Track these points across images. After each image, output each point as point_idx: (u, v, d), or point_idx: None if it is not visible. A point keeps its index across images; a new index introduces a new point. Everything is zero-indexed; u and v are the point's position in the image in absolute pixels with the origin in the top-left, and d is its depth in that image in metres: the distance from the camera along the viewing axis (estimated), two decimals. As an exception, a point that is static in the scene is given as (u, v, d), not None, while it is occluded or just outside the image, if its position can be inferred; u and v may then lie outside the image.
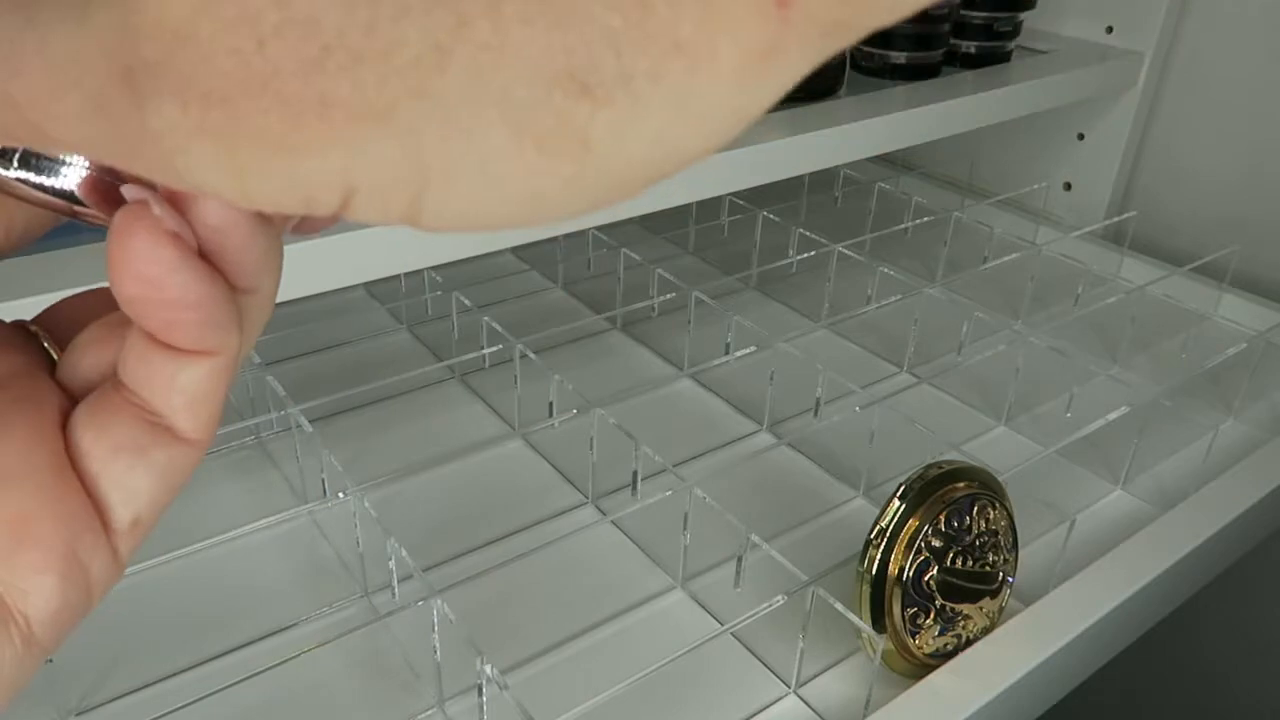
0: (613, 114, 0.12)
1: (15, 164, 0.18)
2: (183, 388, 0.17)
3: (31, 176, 0.18)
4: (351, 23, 0.12)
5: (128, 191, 0.16)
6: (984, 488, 0.43)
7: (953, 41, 0.71)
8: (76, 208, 0.18)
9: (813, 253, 0.72)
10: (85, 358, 0.18)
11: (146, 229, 0.15)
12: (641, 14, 0.11)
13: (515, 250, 0.80)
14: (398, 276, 0.70)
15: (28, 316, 0.20)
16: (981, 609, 0.43)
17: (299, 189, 0.13)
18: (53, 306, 0.20)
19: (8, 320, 0.20)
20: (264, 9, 0.12)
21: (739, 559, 0.45)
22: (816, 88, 0.63)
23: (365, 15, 0.12)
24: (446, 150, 0.12)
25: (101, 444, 0.17)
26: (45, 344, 0.19)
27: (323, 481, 0.49)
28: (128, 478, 0.17)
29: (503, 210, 0.13)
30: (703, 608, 0.47)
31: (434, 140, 0.12)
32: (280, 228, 0.18)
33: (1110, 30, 0.79)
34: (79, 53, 0.13)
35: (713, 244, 0.83)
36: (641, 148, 0.12)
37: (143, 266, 0.15)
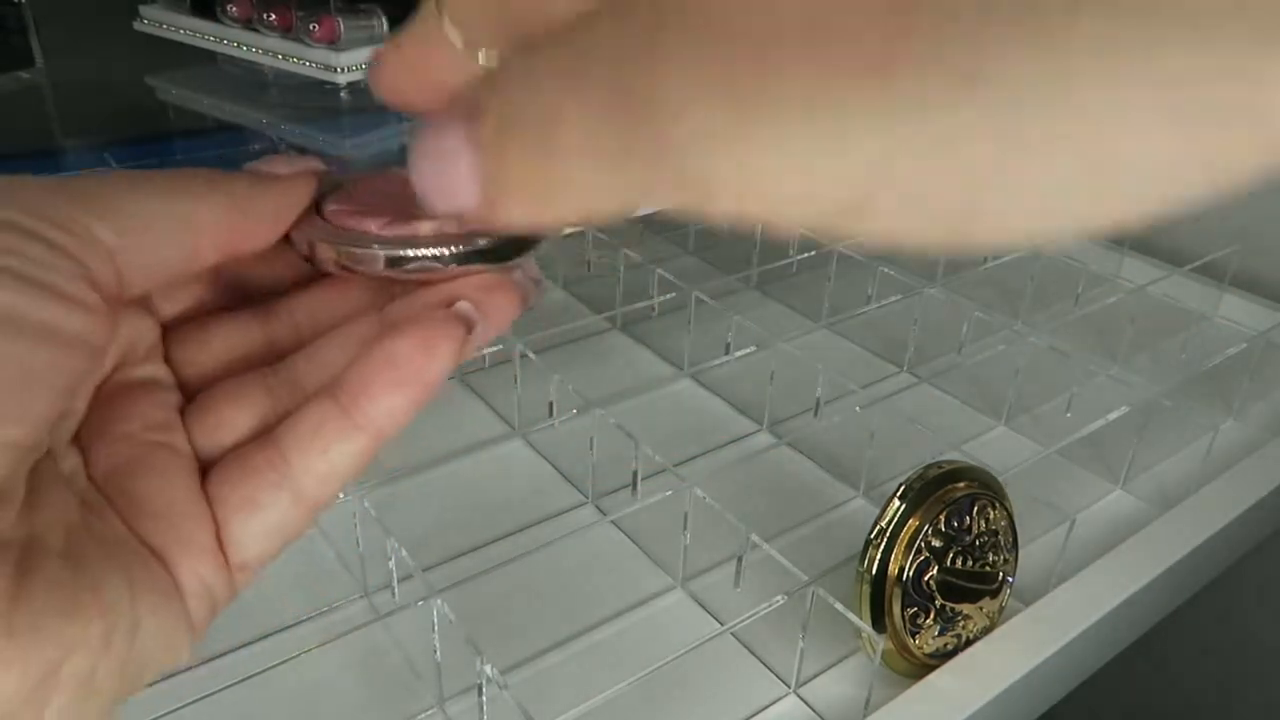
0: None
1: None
2: (335, 457, 0.20)
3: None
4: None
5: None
6: (984, 488, 0.43)
7: (953, 41, 0.71)
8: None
9: (813, 252, 0.72)
10: (222, 412, 0.21)
11: (452, 340, 0.20)
12: None
13: (515, 250, 0.80)
14: (398, 276, 0.70)
15: None
16: (981, 609, 0.43)
17: (818, 173, 0.12)
18: (180, 344, 0.22)
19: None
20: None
21: (739, 559, 0.46)
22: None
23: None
24: (1033, 126, 0.10)
25: (235, 497, 0.20)
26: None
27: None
28: (247, 529, 0.20)
29: (1073, 209, 0.11)
30: (703, 608, 0.47)
31: (1025, 112, 0.10)
32: None
33: (1110, 30, 0.79)
34: (614, 40, 0.13)
35: (713, 244, 0.83)
36: None
37: (430, 373, 0.20)
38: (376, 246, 0.21)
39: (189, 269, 0.20)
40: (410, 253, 0.21)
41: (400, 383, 0.20)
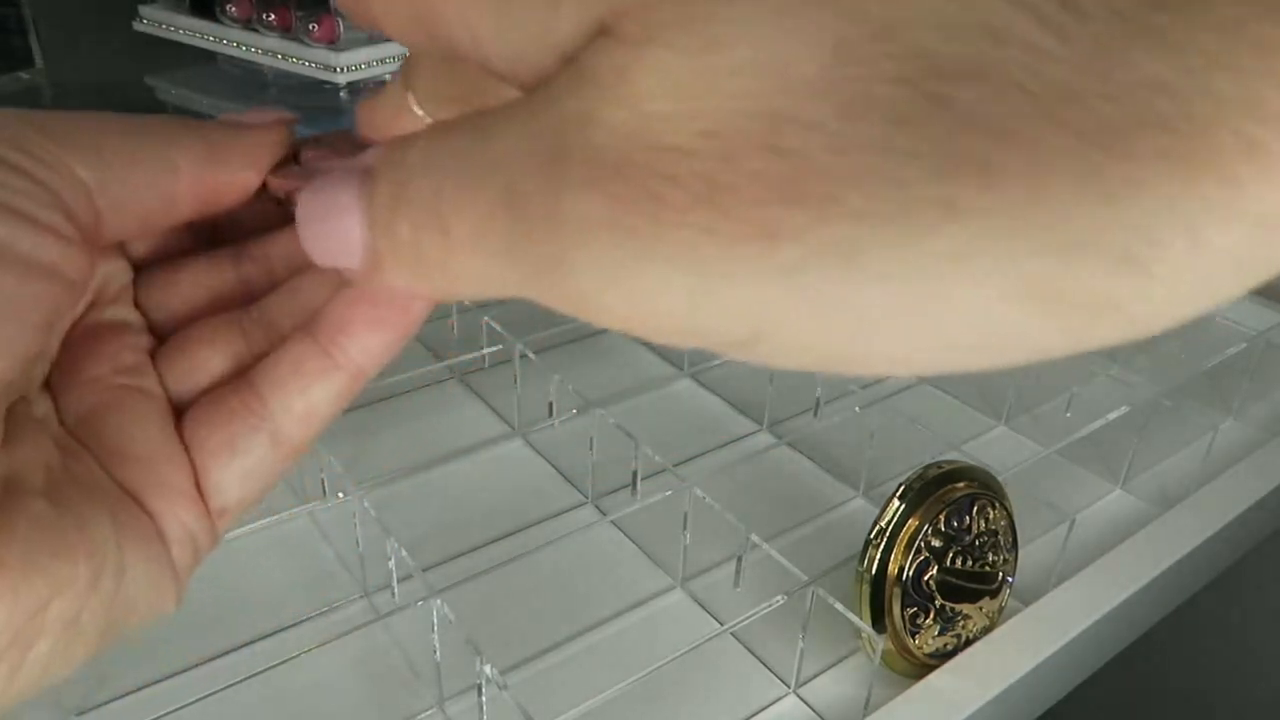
0: (1156, 285, 0.11)
1: None
2: (314, 397, 0.20)
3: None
4: (843, 161, 0.11)
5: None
6: (984, 488, 0.43)
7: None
8: None
9: (813, 253, 0.72)
10: (196, 354, 0.20)
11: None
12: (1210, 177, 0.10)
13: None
14: (398, 276, 0.70)
15: None
16: (981, 609, 0.43)
17: (702, 314, 0.12)
18: (150, 286, 0.21)
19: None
20: (753, 136, 0.11)
21: (739, 559, 0.46)
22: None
23: (860, 156, 0.11)
24: (907, 297, 0.11)
25: (212, 440, 0.19)
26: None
27: (323, 481, 0.49)
28: (226, 473, 0.19)
29: (959, 358, 0.12)
30: (703, 608, 0.47)
31: (901, 286, 0.11)
32: None
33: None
34: (515, 145, 0.13)
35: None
36: (1180, 306, 0.11)
37: (408, 311, 0.19)
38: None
39: (168, 217, 0.20)
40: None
41: (381, 320, 0.19)
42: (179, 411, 0.20)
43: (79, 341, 0.20)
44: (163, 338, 0.21)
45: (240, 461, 0.19)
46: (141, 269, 0.21)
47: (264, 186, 0.21)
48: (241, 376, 0.20)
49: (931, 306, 0.11)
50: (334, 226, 0.16)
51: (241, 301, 0.22)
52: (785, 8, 0.11)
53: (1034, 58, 0.10)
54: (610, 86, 0.12)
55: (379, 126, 0.21)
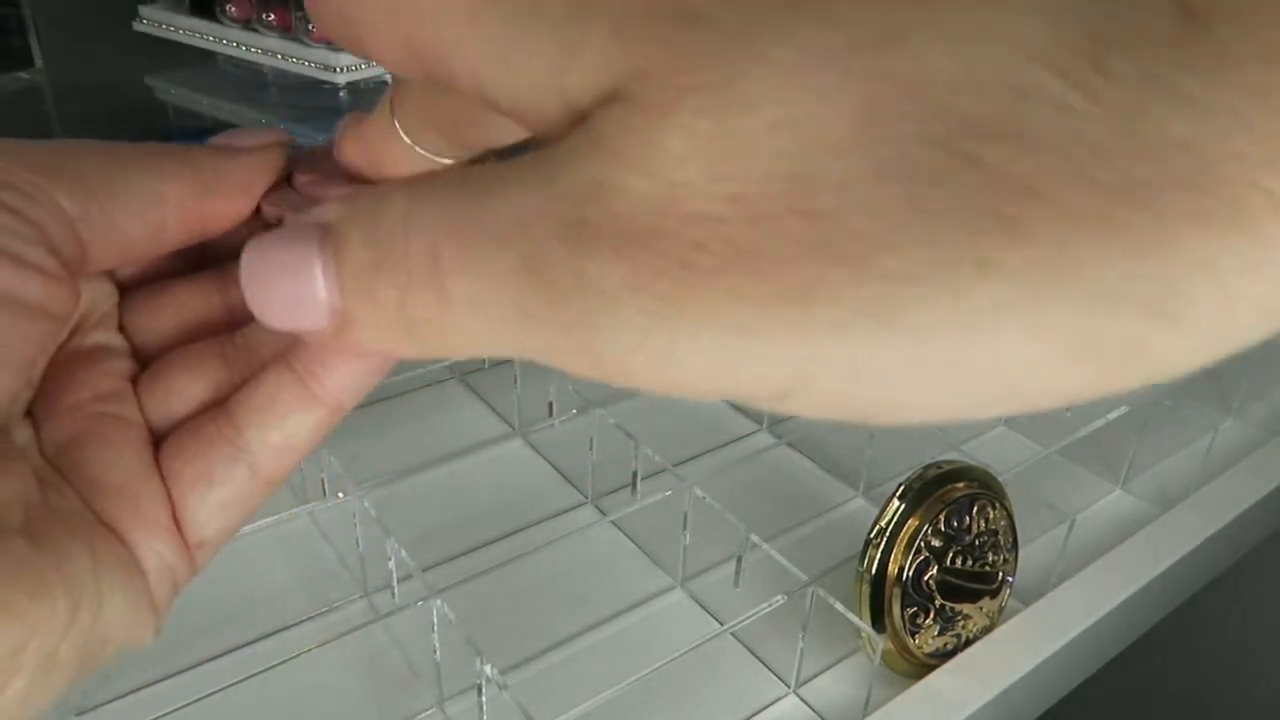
0: (1187, 334, 0.11)
1: None
2: (291, 429, 0.19)
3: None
4: (876, 222, 0.11)
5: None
6: (984, 488, 0.43)
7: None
8: None
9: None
10: (176, 381, 0.20)
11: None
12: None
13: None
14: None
15: None
16: (981, 609, 0.43)
17: (733, 373, 0.12)
18: (134, 309, 0.21)
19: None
20: (784, 198, 0.11)
21: (739, 559, 0.46)
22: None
23: (892, 216, 0.11)
24: (943, 352, 0.11)
25: (188, 471, 0.19)
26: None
27: (322, 481, 0.49)
28: (203, 505, 0.19)
29: (993, 406, 0.12)
30: (703, 608, 0.47)
31: (936, 343, 0.11)
32: None
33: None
34: (529, 210, 0.13)
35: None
36: (1210, 351, 0.11)
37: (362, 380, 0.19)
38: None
39: (156, 246, 0.19)
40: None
41: (360, 351, 0.19)
42: (158, 439, 0.20)
43: (61, 367, 0.20)
44: (147, 361, 0.21)
45: (217, 493, 0.19)
46: (126, 290, 0.21)
47: (257, 210, 0.21)
48: (220, 406, 0.20)
49: (967, 360, 0.11)
50: (290, 290, 0.15)
51: (227, 326, 0.21)
52: (811, 68, 0.11)
53: (1064, 117, 0.10)
54: (632, 155, 0.12)
55: (365, 143, 0.20)
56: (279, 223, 0.21)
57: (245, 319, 0.21)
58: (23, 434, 0.19)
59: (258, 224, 0.21)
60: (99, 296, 0.20)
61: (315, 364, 0.19)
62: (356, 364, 0.19)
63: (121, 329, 0.21)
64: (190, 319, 0.21)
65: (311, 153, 0.23)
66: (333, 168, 0.22)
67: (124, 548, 0.18)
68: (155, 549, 0.18)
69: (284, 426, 0.19)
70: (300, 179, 0.22)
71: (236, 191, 0.20)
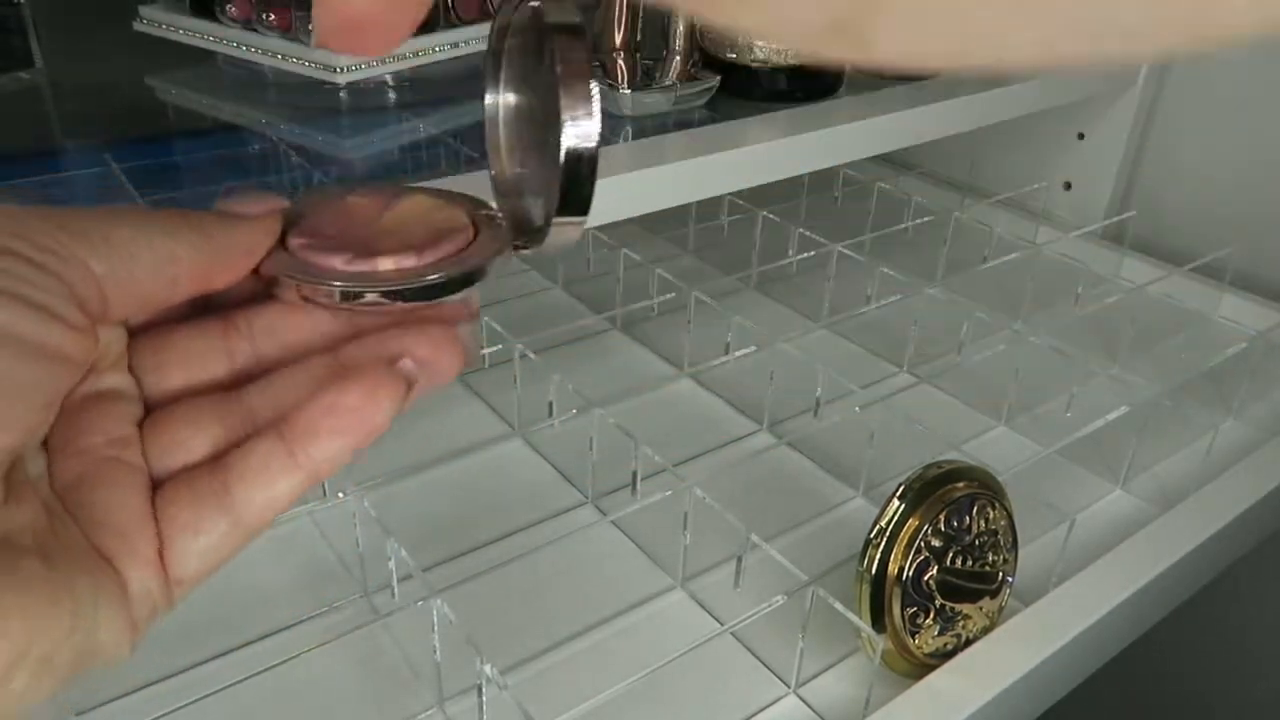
0: None
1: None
2: (276, 491, 0.22)
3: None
4: None
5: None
6: (984, 488, 0.43)
7: (953, 41, 0.71)
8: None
9: (813, 253, 0.72)
10: (178, 433, 0.23)
11: (392, 396, 0.22)
12: None
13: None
14: (398, 276, 0.70)
15: None
16: (981, 609, 0.43)
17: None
18: (143, 351, 0.23)
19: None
20: None
21: (739, 559, 0.46)
22: (816, 88, 0.63)
23: None
24: None
25: (180, 518, 0.22)
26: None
27: (323, 482, 0.49)
28: (188, 549, 0.22)
29: (1076, 42, 0.10)
30: (703, 608, 0.47)
31: None
32: None
33: (1110, 30, 0.79)
34: None
35: (713, 244, 0.83)
36: None
37: (372, 423, 0.22)
38: (336, 283, 0.23)
39: (168, 300, 0.22)
40: (367, 292, 0.23)
41: (343, 431, 0.22)
42: (156, 483, 0.22)
43: (77, 409, 0.22)
44: (153, 402, 0.23)
45: (202, 540, 0.22)
46: (135, 334, 0.23)
47: (257, 270, 0.24)
48: (216, 461, 0.22)
49: None
50: None
51: (227, 368, 0.24)
52: None
53: None
54: None
55: None
56: (275, 280, 0.24)
57: (244, 361, 0.24)
58: (37, 465, 0.21)
59: (256, 280, 0.24)
60: (112, 340, 0.22)
61: (307, 440, 0.22)
62: (342, 440, 0.22)
63: (130, 369, 0.23)
64: (194, 362, 0.23)
65: (301, 213, 0.25)
66: (324, 228, 0.24)
67: (117, 577, 0.21)
68: (143, 581, 0.21)
69: (270, 489, 0.22)
70: (294, 241, 0.24)
71: (240, 255, 0.23)
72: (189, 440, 0.22)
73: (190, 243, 0.22)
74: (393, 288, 0.23)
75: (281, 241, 0.24)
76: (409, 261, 0.24)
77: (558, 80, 0.22)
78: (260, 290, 0.24)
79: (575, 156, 0.23)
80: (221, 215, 0.23)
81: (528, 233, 0.27)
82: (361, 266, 0.23)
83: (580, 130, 0.23)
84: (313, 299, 0.23)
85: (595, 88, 0.23)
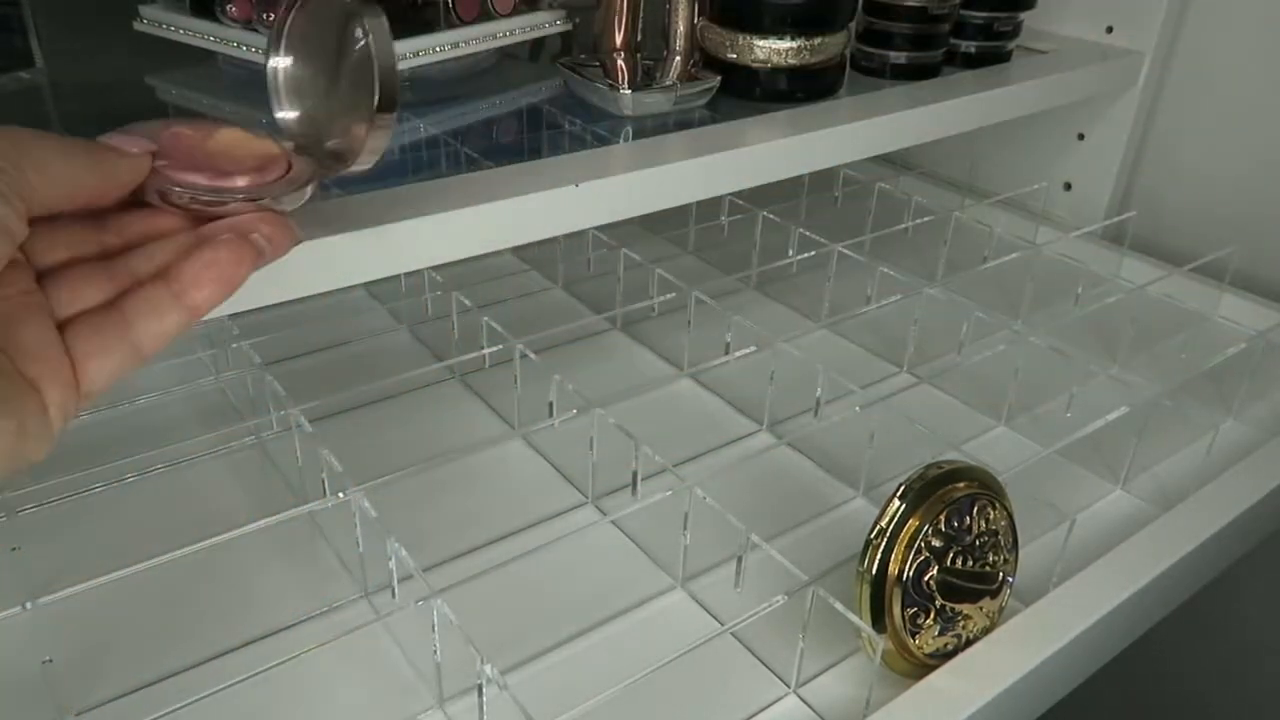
0: None
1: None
2: (166, 324, 0.31)
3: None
4: None
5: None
6: (984, 488, 0.43)
7: (952, 41, 0.71)
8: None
9: (813, 253, 0.72)
10: (75, 285, 0.31)
11: (251, 259, 0.33)
12: None
13: (515, 250, 0.80)
14: (398, 276, 0.70)
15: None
16: (981, 609, 0.43)
17: None
18: (35, 239, 0.30)
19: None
20: None
21: (739, 559, 0.45)
22: (816, 88, 0.63)
23: None
24: None
25: (90, 345, 0.30)
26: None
27: (323, 481, 0.49)
28: (98, 370, 0.30)
29: None
30: (703, 608, 0.47)
31: None
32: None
33: (1110, 30, 0.79)
34: None
35: (713, 244, 0.83)
36: None
37: (238, 274, 0.32)
38: (237, 196, 0.33)
39: (68, 206, 0.30)
40: (229, 199, 0.33)
41: (218, 280, 0.32)
42: (61, 324, 0.30)
43: None
44: (42, 274, 0.30)
45: (108, 361, 0.30)
46: (31, 224, 0.30)
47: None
48: (111, 304, 0.31)
49: None
50: None
51: (99, 251, 0.32)
52: None
53: None
54: None
55: None
56: (158, 200, 0.33)
57: (114, 251, 0.32)
58: None
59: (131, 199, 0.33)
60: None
61: (189, 283, 0.31)
62: (216, 286, 0.31)
63: (21, 250, 0.30)
64: (75, 244, 0.31)
65: (155, 137, 0.34)
66: (170, 153, 0.33)
67: (39, 396, 0.28)
68: (61, 395, 0.29)
69: (161, 323, 0.31)
70: (157, 163, 0.33)
71: (125, 181, 0.32)
72: (84, 290, 0.30)
73: (90, 169, 0.30)
74: (253, 197, 0.34)
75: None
76: (257, 178, 0.34)
77: (364, 21, 0.34)
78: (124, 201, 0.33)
79: (386, 66, 0.34)
80: (113, 149, 0.32)
81: (322, 160, 0.37)
82: (223, 182, 0.34)
83: (382, 41, 0.34)
84: (192, 207, 0.33)
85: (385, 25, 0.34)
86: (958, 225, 0.78)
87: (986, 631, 0.43)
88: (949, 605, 0.42)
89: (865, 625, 0.40)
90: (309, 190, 0.35)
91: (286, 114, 0.39)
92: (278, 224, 0.34)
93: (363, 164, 0.36)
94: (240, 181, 0.34)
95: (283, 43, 0.38)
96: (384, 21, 0.34)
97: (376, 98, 0.34)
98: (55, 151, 0.29)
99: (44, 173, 0.29)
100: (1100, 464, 0.57)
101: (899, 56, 0.68)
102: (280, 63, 0.39)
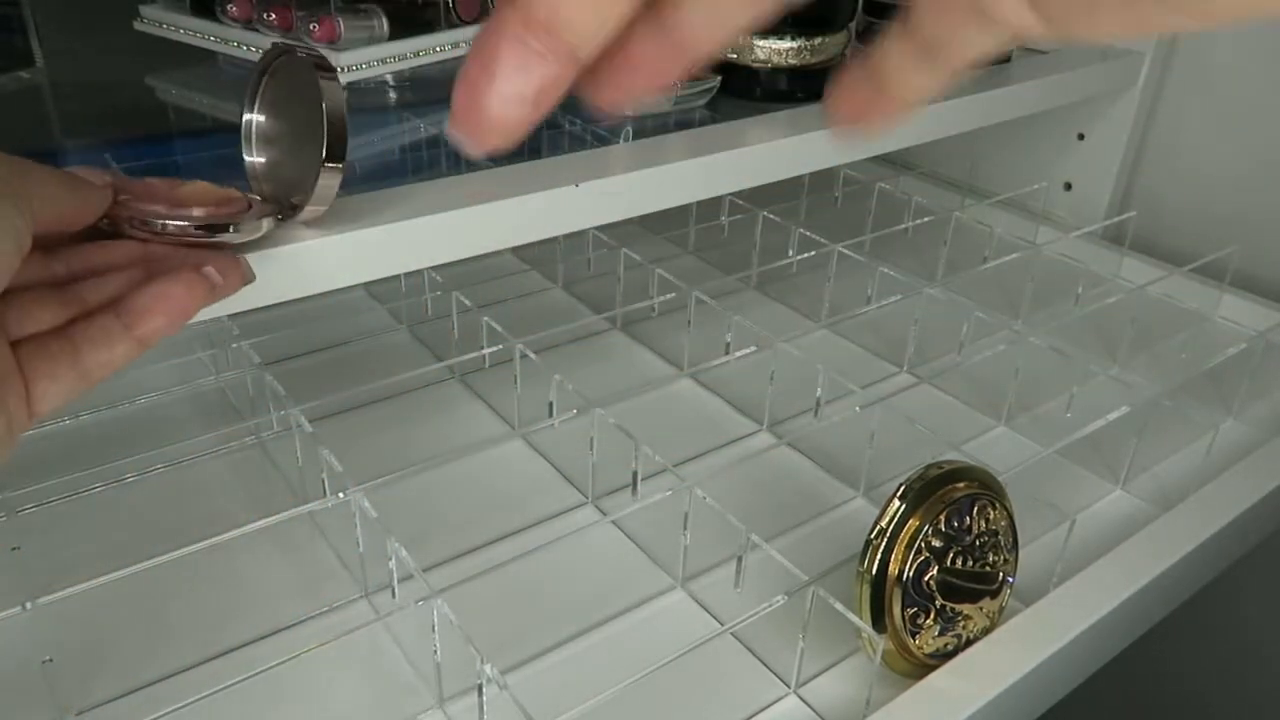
0: None
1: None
2: (114, 353, 0.32)
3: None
4: None
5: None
6: (984, 488, 0.43)
7: (953, 41, 0.71)
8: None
9: (813, 253, 0.72)
10: (28, 309, 0.31)
11: (203, 292, 0.34)
12: None
13: (515, 250, 0.80)
14: (398, 276, 0.70)
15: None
16: (981, 609, 0.43)
17: None
18: None
19: None
20: None
21: (739, 559, 0.45)
22: (816, 88, 0.63)
23: None
24: None
25: (41, 369, 0.31)
26: None
27: (323, 481, 0.49)
28: (45, 393, 0.31)
29: None
30: (703, 608, 0.47)
31: None
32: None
33: (1110, 30, 0.78)
34: None
35: (713, 244, 0.83)
36: None
37: (189, 307, 0.33)
38: (168, 220, 0.36)
39: (57, 228, 0.32)
40: (185, 223, 0.36)
41: (169, 312, 0.32)
42: (14, 344, 0.31)
43: None
44: None
45: (58, 386, 0.31)
46: None
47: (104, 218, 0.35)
48: (61, 331, 0.31)
49: None
50: None
51: (46, 278, 0.33)
52: None
53: None
54: None
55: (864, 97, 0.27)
56: (119, 228, 0.35)
57: (64, 281, 0.33)
58: None
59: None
60: None
61: (140, 314, 0.32)
62: (166, 318, 0.32)
63: None
64: (24, 271, 0.31)
65: (121, 185, 0.37)
66: (137, 194, 0.36)
67: None
68: (15, 409, 0.30)
69: (110, 352, 0.32)
70: (121, 198, 0.35)
71: (94, 208, 0.34)
72: (36, 314, 0.31)
73: (72, 194, 0.32)
74: (206, 223, 0.36)
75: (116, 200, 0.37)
76: (213, 210, 0.37)
77: (319, 82, 0.37)
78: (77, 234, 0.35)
79: (336, 116, 0.37)
80: (82, 179, 0.33)
81: (283, 207, 0.40)
82: (181, 211, 0.36)
83: (333, 100, 0.37)
84: (147, 229, 0.35)
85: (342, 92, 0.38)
86: (958, 225, 0.78)
87: (986, 631, 0.43)
88: (949, 605, 0.42)
89: (865, 625, 0.40)
90: (265, 224, 0.38)
91: (256, 162, 0.42)
92: (230, 261, 0.35)
93: (314, 208, 0.40)
94: (197, 212, 0.37)
95: (256, 101, 0.42)
96: (338, 84, 0.39)
97: (324, 148, 0.38)
98: (50, 178, 0.31)
99: (41, 197, 0.31)
100: (1100, 464, 0.57)
101: (899, 56, 0.68)
102: (253, 119, 0.42)
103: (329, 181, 0.38)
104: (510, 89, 0.19)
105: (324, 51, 0.94)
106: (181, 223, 0.36)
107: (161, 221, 0.35)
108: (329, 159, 0.38)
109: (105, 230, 0.35)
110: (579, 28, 0.18)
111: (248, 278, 0.37)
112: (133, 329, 0.32)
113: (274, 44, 0.42)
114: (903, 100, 0.25)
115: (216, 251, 0.36)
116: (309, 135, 0.39)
